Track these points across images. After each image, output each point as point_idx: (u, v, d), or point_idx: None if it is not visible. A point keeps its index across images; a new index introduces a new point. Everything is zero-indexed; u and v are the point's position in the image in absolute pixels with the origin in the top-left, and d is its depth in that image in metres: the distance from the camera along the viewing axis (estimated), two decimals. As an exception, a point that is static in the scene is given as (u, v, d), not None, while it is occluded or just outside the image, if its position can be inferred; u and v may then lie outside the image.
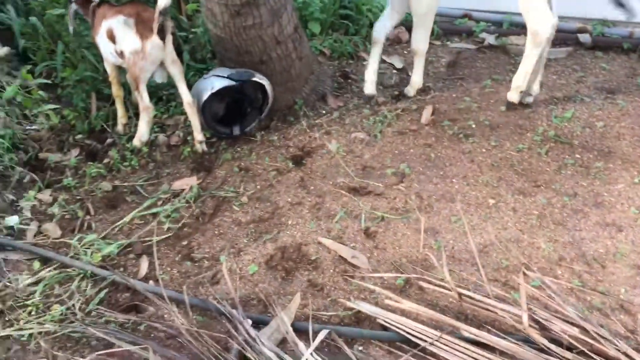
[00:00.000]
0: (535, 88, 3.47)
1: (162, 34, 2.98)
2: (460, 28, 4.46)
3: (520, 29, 4.29)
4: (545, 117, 3.41)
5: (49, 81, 3.38)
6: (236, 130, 3.42)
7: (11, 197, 2.85)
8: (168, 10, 2.92)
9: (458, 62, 4.13)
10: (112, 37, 3.06)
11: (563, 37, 4.11)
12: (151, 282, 2.50)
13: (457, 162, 3.10)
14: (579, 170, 2.97)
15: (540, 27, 3.12)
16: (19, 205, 2.83)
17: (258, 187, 3.04)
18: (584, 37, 4.12)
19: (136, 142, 3.30)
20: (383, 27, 3.55)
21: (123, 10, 3.06)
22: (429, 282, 2.33)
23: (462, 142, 3.25)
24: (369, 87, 3.70)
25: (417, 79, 3.70)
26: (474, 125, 3.39)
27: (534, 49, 3.21)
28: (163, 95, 3.67)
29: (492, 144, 3.20)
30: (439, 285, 2.29)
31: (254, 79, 3.31)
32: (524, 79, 3.33)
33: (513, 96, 3.45)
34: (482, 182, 2.93)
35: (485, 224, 2.69)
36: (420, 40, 3.50)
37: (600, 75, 3.85)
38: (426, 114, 3.51)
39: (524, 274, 2.29)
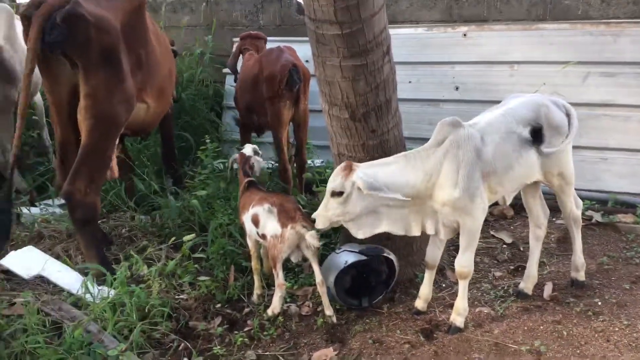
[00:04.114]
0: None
1: None
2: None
3: (625, 207, 4.49)
4: (671, 296, 3.45)
5: (203, 255, 3.77)
6: (365, 302, 3.62)
7: (169, 364, 3.07)
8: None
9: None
10: (256, 222, 3.46)
11: None
12: None
13: (591, 340, 3.13)
14: None
15: None
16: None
17: (394, 360, 3.14)
18: None
19: (269, 312, 3.54)
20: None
21: (268, 198, 3.50)
22: None
23: (591, 320, 3.30)
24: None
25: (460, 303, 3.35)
26: (600, 303, 3.45)
27: None
28: (293, 267, 3.98)
29: (625, 322, 3.23)
30: None
31: (384, 254, 3.58)
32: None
33: None
34: (624, 364, 2.93)
35: (637, 408, 2.65)
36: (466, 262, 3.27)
37: None
38: (547, 290, 3.62)
39: None
